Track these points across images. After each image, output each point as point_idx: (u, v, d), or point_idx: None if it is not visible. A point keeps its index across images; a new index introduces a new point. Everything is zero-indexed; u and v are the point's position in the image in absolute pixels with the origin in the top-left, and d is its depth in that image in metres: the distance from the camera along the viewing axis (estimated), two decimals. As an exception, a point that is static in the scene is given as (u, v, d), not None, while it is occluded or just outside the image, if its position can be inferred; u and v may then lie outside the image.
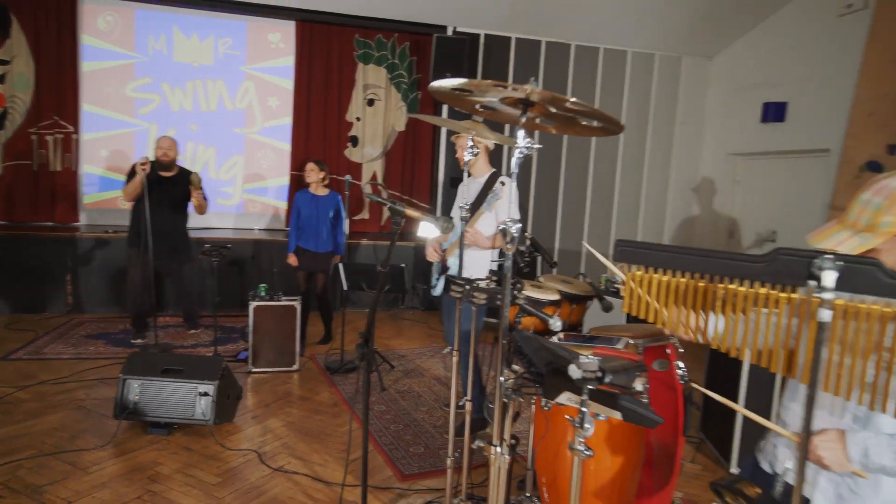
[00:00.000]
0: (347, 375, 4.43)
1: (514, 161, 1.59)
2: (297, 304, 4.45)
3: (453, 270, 3.43)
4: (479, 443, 1.88)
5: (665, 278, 1.15)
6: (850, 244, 1.24)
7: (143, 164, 4.46)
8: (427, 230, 6.39)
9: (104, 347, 4.85)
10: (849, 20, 5.87)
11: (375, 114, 7.37)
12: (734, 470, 3.05)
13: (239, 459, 3.10)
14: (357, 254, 6.79)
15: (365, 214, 7.37)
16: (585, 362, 1.23)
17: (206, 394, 3.33)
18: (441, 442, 3.38)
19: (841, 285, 0.91)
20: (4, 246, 5.73)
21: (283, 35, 7.04)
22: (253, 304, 4.38)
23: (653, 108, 7.88)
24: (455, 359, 2.58)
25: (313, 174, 5.03)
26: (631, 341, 2.08)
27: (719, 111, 7.72)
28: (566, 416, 1.41)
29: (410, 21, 7.13)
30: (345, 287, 4.50)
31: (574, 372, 1.23)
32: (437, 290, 3.57)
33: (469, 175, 3.58)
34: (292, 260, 5.05)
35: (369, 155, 7.39)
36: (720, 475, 3.08)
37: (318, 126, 7.16)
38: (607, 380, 1.23)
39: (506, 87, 1.55)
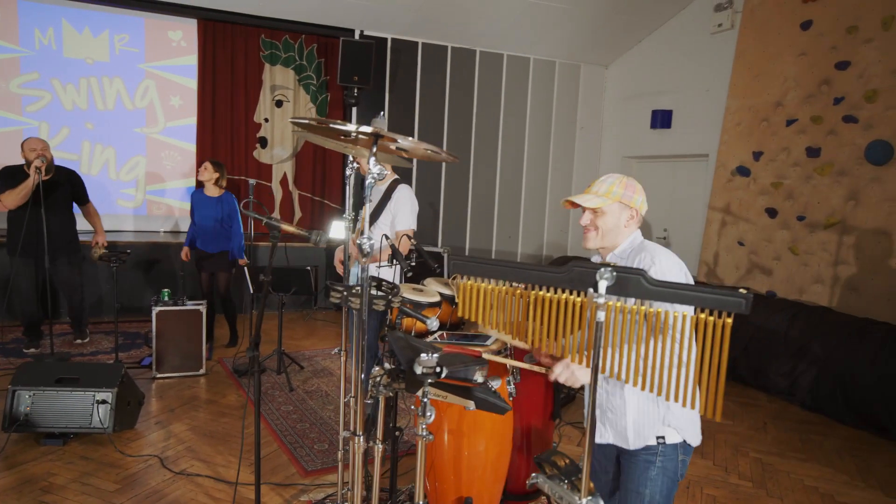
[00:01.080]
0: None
1: (366, 184, 1.76)
2: (202, 309, 4.44)
3: (353, 280, 3.57)
4: (344, 433, 2.04)
5: (490, 286, 1.37)
6: (594, 202, 1.87)
7: (38, 165, 4.27)
8: (338, 231, 6.50)
9: (-8, 359, 4.62)
10: (719, 38, 6.50)
11: (284, 115, 7.35)
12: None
13: (139, 465, 3.11)
14: (267, 255, 6.76)
15: (276, 215, 7.34)
16: (425, 359, 1.43)
17: (104, 401, 3.30)
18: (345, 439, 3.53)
19: (615, 290, 1.15)
20: None
21: (184, 33, 6.88)
22: (156, 310, 4.33)
23: (555, 112, 8.33)
24: (343, 358, 2.74)
25: (206, 173, 5.00)
26: (499, 334, 2.31)
27: (615, 117, 8.28)
28: (413, 407, 1.61)
29: (317, 24, 7.16)
30: (251, 290, 4.54)
31: (416, 367, 1.42)
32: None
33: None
34: (184, 253, 5.01)
35: (279, 156, 7.37)
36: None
37: (225, 127, 7.06)
38: (444, 374, 1.43)
39: (350, 130, 1.75)
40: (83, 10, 6.42)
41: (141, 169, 6.86)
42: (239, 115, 7.12)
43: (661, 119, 7.25)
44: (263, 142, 7.29)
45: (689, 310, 1.24)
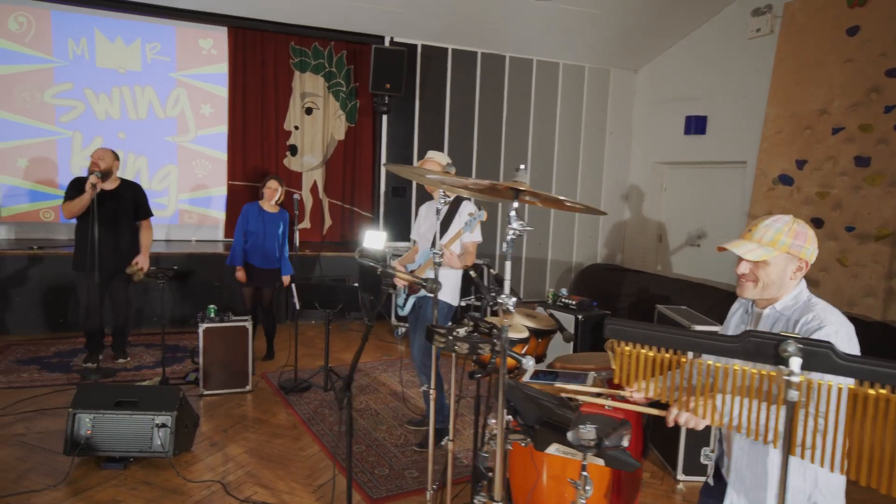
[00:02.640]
0: (303, 395, 4.44)
1: (507, 240, 1.69)
2: (248, 325, 4.41)
3: (421, 292, 3.53)
4: (479, 499, 1.96)
5: (651, 353, 1.31)
6: (756, 253, 1.68)
7: (93, 181, 4.26)
8: (372, 241, 6.45)
9: (38, 374, 4.60)
10: (758, 43, 6.40)
11: (314, 122, 7.31)
12: (680, 476, 3.33)
13: (203, 492, 3.08)
14: (302, 265, 6.72)
15: (307, 224, 7.30)
16: (584, 431, 1.37)
17: (164, 425, 3.26)
18: (405, 462, 3.48)
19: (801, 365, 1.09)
20: (-88, 267, 5.30)
21: (214, 41, 6.84)
22: (203, 327, 4.29)
23: (584, 118, 8.25)
24: (432, 397, 2.68)
25: (277, 194, 4.98)
26: (596, 374, 2.26)
27: (645, 122, 8.19)
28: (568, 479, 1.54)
29: (347, 31, 7.11)
30: (297, 306, 4.49)
31: (574, 439, 1.37)
32: (405, 309, 3.67)
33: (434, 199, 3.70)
34: (241, 275, 4.97)
35: (309, 164, 7.32)
36: (667, 482, 3.36)
37: (255, 135, 7.02)
38: (604, 445, 1.38)
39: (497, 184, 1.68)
40: (115, 20, 6.39)
41: (173, 178, 6.84)
42: (269, 122, 7.08)
43: (696, 125, 7.16)
44: (293, 149, 7.25)
45: (849, 381, 1.17)
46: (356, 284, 4.48)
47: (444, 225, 3.57)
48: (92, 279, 4.43)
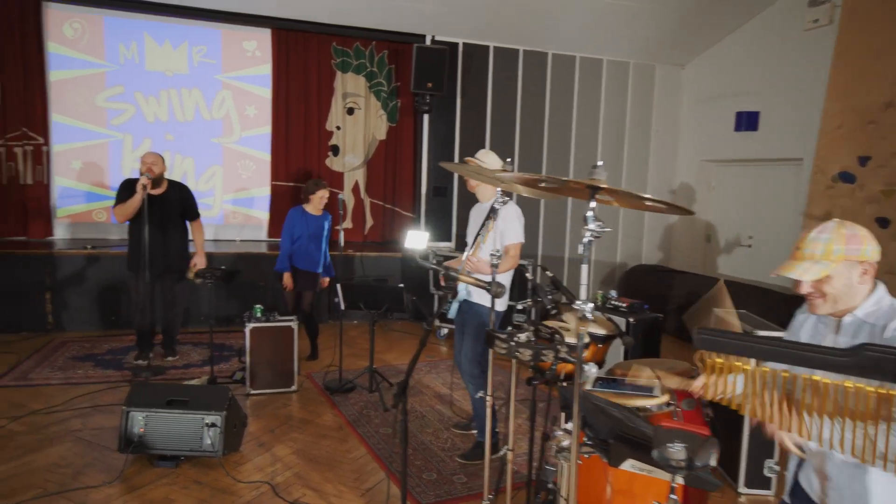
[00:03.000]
0: (348, 396, 4.43)
1: (583, 242, 1.58)
2: (294, 325, 4.42)
3: (462, 295, 3.47)
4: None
5: (749, 368, 1.21)
6: (814, 271, 1.59)
7: (144, 182, 4.35)
8: (414, 241, 6.42)
9: (93, 370, 4.72)
10: (815, 34, 6.13)
11: (356, 122, 7.32)
12: (742, 489, 3.18)
13: (252, 493, 3.08)
14: (344, 265, 6.74)
15: (348, 223, 7.32)
16: (673, 451, 1.28)
17: (213, 425, 3.29)
18: (453, 467, 3.43)
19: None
20: (-25, 265, 5.50)
21: (258, 43, 6.92)
22: (249, 326, 4.32)
23: (629, 115, 8.06)
24: (489, 404, 2.61)
25: (324, 201, 4.99)
26: (661, 383, 2.16)
27: (692, 119, 7.95)
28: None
29: (388, 30, 7.10)
30: (342, 307, 4.49)
31: (661, 459, 1.29)
32: (451, 312, 3.61)
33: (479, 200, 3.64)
34: (287, 281, 4.98)
35: (350, 164, 7.34)
36: (729, 496, 3.22)
37: (298, 135, 7.08)
38: (694, 465, 1.29)
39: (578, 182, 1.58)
40: (164, 24, 6.52)
41: (218, 179, 6.95)
42: (312, 123, 7.12)
43: (747, 121, 6.90)
44: (335, 150, 7.28)
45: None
46: (401, 285, 4.44)
47: (483, 229, 3.49)
48: (142, 279, 4.53)
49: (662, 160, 8.23)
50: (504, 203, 2.85)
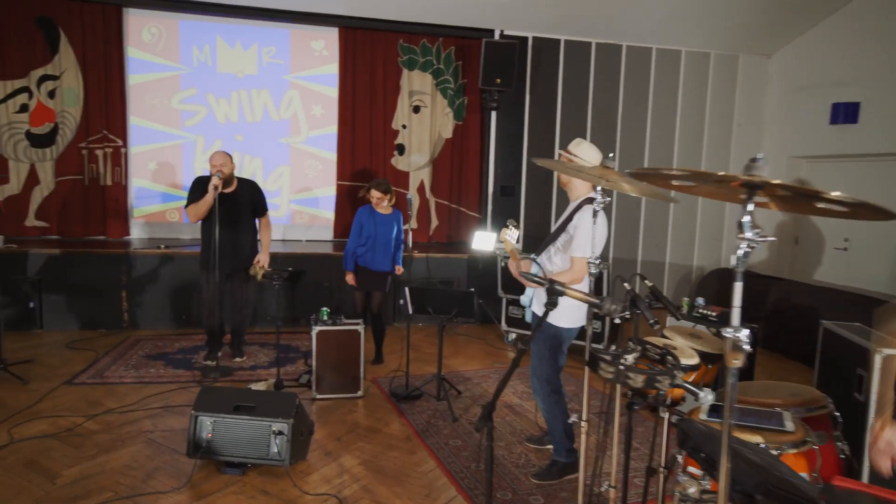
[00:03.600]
0: (415, 403, 4.28)
1: (738, 255, 1.31)
2: (361, 329, 4.31)
3: (525, 301, 3.23)
4: None
5: None
6: None
7: (216, 183, 4.35)
8: (482, 242, 6.22)
9: (164, 370, 4.77)
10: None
11: (421, 121, 7.19)
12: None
13: (320, 505, 2.97)
14: (410, 267, 6.62)
15: (413, 224, 7.20)
16: None
17: (280, 432, 3.20)
18: (528, 486, 3.21)
19: None
20: (59, 261, 5.70)
21: (326, 42, 6.89)
22: (316, 329, 4.24)
23: (709, 108, 7.58)
24: (584, 428, 2.37)
25: (384, 202, 4.87)
26: (792, 411, 1.86)
27: (780, 112, 7.39)
28: None
29: (456, 25, 6.93)
30: (409, 311, 4.34)
31: None
32: (528, 315, 3.38)
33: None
34: (350, 279, 4.93)
35: (416, 163, 7.22)
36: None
37: (364, 135, 7.01)
38: None
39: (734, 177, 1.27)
40: (235, 26, 6.58)
41: (285, 179, 6.97)
42: (377, 122, 7.04)
43: (845, 113, 6.32)
44: (401, 149, 7.17)
45: None
46: (472, 289, 4.25)
47: (556, 232, 3.22)
48: (213, 278, 4.53)
49: (745, 157, 7.58)
50: (601, 205, 2.52)
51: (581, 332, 3.15)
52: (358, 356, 4.33)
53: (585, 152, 3.17)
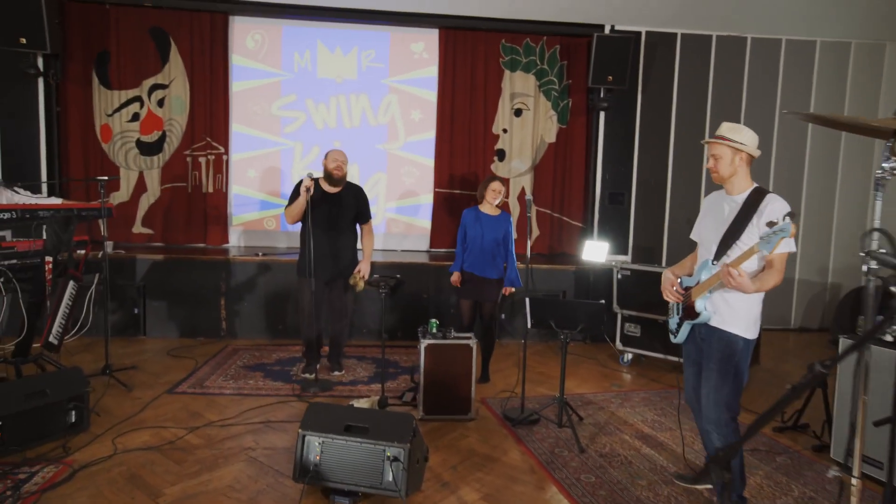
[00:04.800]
0: (533, 429, 3.82)
1: None
2: (473, 344, 3.92)
3: (705, 317, 2.72)
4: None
5: None
6: None
7: (307, 185, 4.14)
8: (593, 253, 5.70)
9: (263, 381, 4.57)
10: None
11: (523, 125, 6.78)
12: None
13: (443, 548, 2.57)
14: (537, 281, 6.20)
15: (534, 230, 6.74)
16: None
17: (396, 458, 2.84)
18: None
19: None
20: (162, 268, 5.70)
21: (426, 44, 6.64)
22: (424, 343, 3.89)
23: (847, 104, 6.73)
24: (856, 487, 1.85)
25: (500, 196, 4.54)
26: None
27: (939, 106, 6.43)
28: None
29: (563, 22, 6.49)
30: (528, 325, 3.91)
31: None
32: (680, 336, 2.87)
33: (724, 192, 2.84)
34: (455, 279, 4.58)
35: (517, 169, 6.81)
36: None
37: (463, 139, 6.68)
38: None
39: None
40: (336, 30, 6.47)
41: (381, 186, 6.75)
42: (477, 126, 6.70)
43: None
44: (501, 154, 6.79)
45: None
46: (602, 301, 3.77)
47: (735, 230, 2.70)
48: (310, 285, 4.31)
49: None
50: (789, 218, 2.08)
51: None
52: (469, 374, 3.93)
53: (749, 138, 2.70)
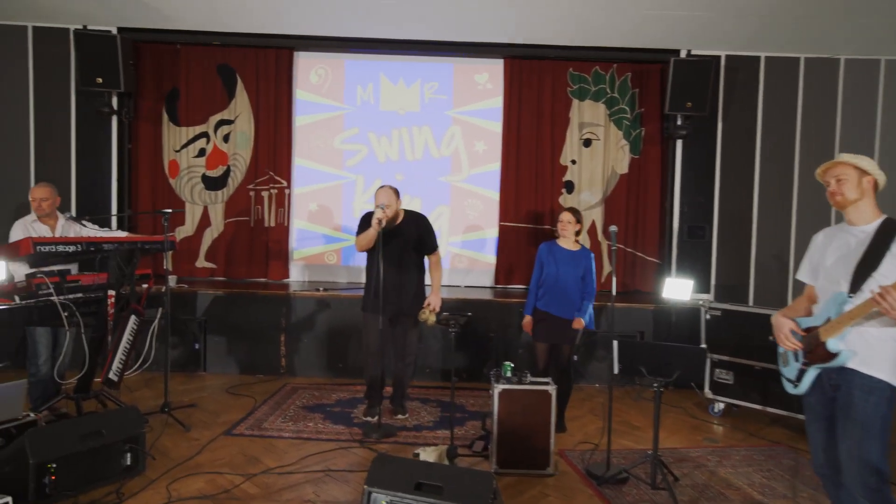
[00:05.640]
0: (621, 489, 3.39)
1: None
2: (553, 390, 3.54)
3: (843, 357, 2.29)
4: None
5: None
6: None
7: (379, 216, 3.94)
8: (675, 290, 5.25)
9: (323, 424, 4.31)
10: None
11: (593, 155, 6.45)
12: None
13: None
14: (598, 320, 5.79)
15: (610, 265, 6.34)
16: None
17: (473, 525, 2.48)
18: None
19: None
20: (223, 303, 5.61)
21: (490, 75, 6.46)
22: (498, 388, 3.54)
23: (961, 129, 6.10)
24: None
25: (570, 227, 4.21)
26: None
27: None
28: None
29: (634, 48, 6.20)
30: (615, 370, 3.51)
31: None
32: (802, 386, 2.44)
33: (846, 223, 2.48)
34: (527, 323, 4.24)
35: (587, 202, 6.45)
36: None
37: (529, 171, 6.41)
38: None
39: None
40: (399, 63, 6.38)
41: (444, 219, 6.52)
42: (544, 157, 6.41)
43: None
44: (570, 186, 6.46)
45: None
46: (703, 346, 3.35)
47: (870, 261, 2.31)
48: (376, 322, 4.07)
49: None
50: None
51: None
52: (548, 423, 3.54)
53: (873, 166, 2.49)
